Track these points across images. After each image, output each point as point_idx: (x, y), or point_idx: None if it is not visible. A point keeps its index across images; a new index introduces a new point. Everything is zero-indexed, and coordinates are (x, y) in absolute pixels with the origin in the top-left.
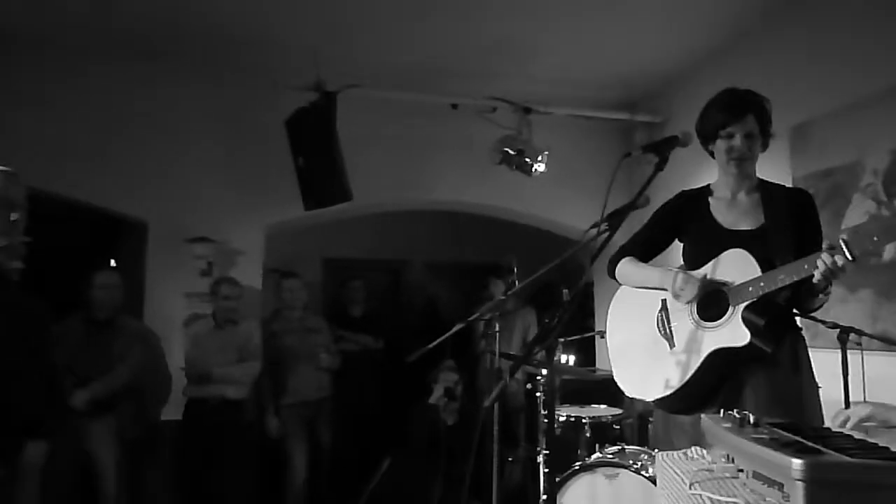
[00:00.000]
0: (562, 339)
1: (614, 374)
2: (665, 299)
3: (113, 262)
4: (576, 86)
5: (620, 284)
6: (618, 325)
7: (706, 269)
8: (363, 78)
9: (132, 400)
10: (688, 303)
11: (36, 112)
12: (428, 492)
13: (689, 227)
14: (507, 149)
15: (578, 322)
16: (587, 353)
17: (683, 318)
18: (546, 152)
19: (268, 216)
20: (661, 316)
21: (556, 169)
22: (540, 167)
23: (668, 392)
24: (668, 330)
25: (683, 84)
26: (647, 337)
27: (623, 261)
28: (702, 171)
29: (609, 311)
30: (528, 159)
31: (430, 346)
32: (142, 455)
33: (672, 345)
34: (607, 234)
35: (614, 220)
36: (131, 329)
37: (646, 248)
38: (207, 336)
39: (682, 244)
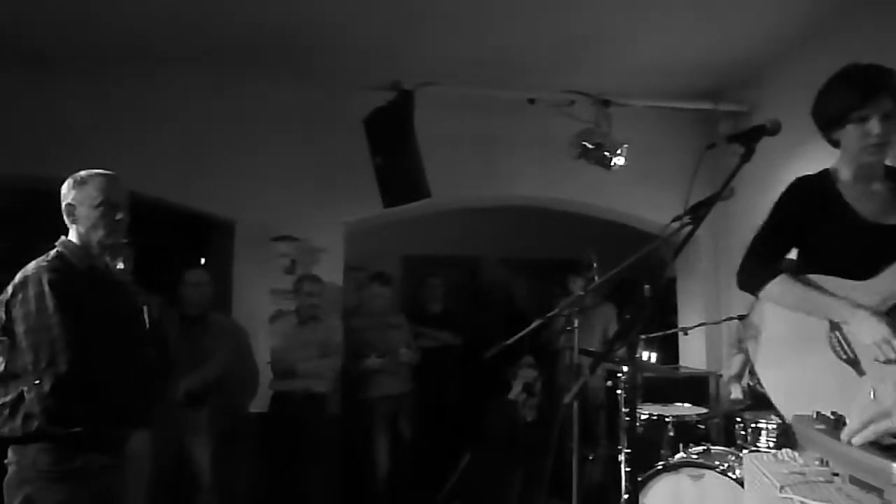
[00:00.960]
0: (643, 336)
1: (767, 388)
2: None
3: (203, 261)
4: (656, 76)
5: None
6: (777, 329)
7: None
8: (440, 75)
9: (223, 393)
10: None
11: (131, 118)
12: (507, 488)
13: (818, 221)
14: (585, 143)
15: (660, 318)
16: (670, 350)
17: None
18: (625, 145)
19: (348, 214)
20: (837, 336)
21: (636, 162)
22: (619, 161)
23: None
24: (848, 352)
25: (771, 70)
26: (820, 355)
27: (776, 281)
28: (793, 161)
29: (764, 309)
30: (606, 153)
31: (509, 342)
32: (232, 446)
33: (860, 372)
34: (690, 227)
35: (698, 212)
36: (221, 325)
37: (778, 252)
38: (292, 332)
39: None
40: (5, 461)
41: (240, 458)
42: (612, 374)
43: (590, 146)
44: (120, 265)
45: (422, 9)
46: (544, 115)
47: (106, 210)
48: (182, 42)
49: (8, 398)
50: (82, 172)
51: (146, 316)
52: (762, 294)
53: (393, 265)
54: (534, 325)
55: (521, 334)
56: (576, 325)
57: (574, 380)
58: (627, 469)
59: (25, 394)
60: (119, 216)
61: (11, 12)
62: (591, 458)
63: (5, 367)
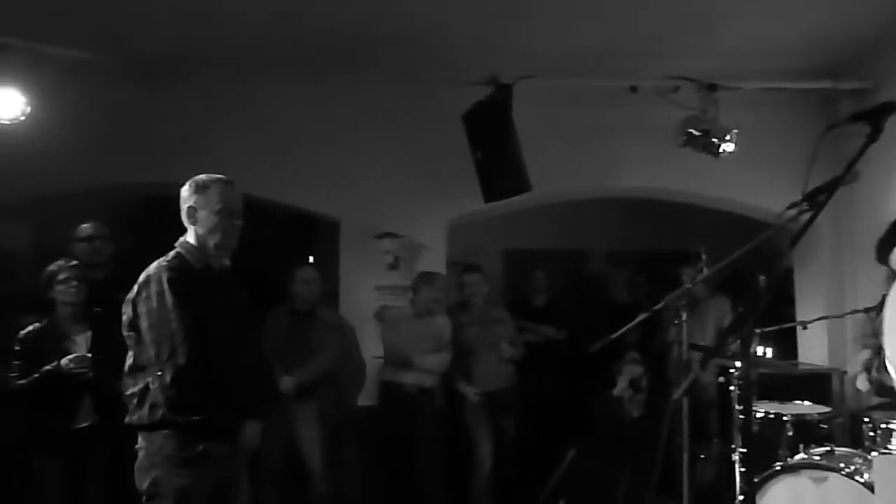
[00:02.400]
0: (758, 330)
1: None
2: None
3: (311, 259)
4: (767, 56)
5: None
6: None
7: None
8: (538, 68)
9: (331, 386)
10: None
11: (239, 124)
12: (613, 485)
13: None
14: (691, 130)
15: (777, 312)
16: (788, 345)
17: None
18: (735, 130)
19: (449, 210)
20: None
21: (747, 147)
22: (728, 147)
23: None
24: None
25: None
26: None
27: None
28: None
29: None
30: (714, 139)
31: (614, 336)
32: (341, 438)
33: None
34: (809, 214)
35: (817, 198)
36: (329, 320)
37: None
38: (406, 324)
39: None
40: (136, 446)
41: (348, 450)
42: (724, 370)
43: (696, 133)
44: (226, 262)
45: (518, 2)
46: (647, 102)
47: (224, 216)
48: (285, 47)
49: (136, 388)
50: (203, 177)
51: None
52: None
53: (495, 260)
54: (639, 318)
55: (626, 328)
56: (684, 318)
57: (683, 375)
58: (742, 469)
59: (150, 384)
60: (236, 223)
61: (125, 30)
62: (702, 456)
63: (133, 360)
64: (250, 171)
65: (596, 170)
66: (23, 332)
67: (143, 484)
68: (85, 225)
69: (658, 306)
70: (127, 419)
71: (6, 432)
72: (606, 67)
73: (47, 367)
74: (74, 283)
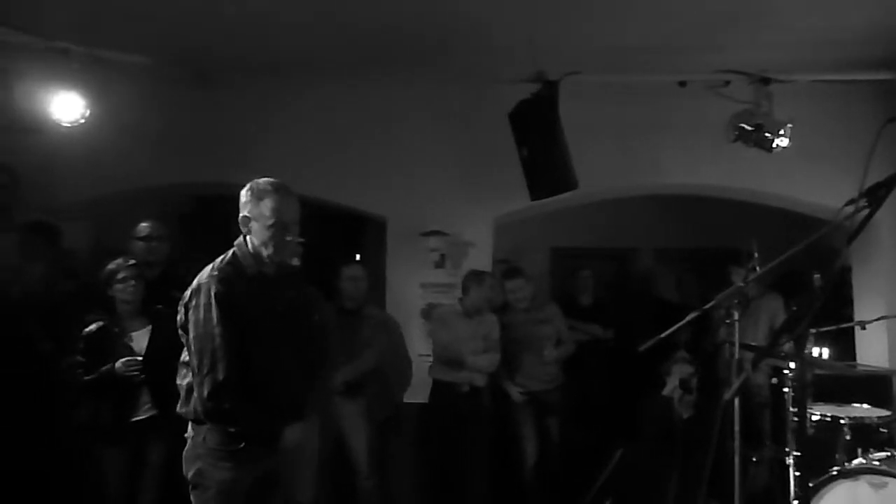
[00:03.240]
0: (813, 330)
1: None
2: None
3: (358, 257)
4: (823, 46)
5: None
6: None
7: None
8: (584, 64)
9: (378, 383)
10: None
11: (288, 124)
12: (662, 487)
13: None
14: (743, 124)
15: (834, 311)
16: (845, 345)
17: None
18: (789, 125)
19: (496, 208)
20: None
21: (802, 142)
22: (782, 142)
23: None
24: None
25: None
26: None
27: None
28: None
29: None
30: (767, 134)
31: (663, 335)
32: (388, 434)
33: None
34: (867, 211)
35: (876, 194)
36: (375, 317)
37: None
38: (457, 323)
39: None
40: (185, 434)
41: (394, 446)
42: (777, 371)
43: (748, 128)
44: (295, 261)
45: None
46: (696, 97)
47: (277, 231)
48: (333, 48)
49: (186, 381)
50: (261, 184)
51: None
52: None
53: (541, 258)
54: (689, 317)
55: (675, 327)
56: (736, 317)
57: (735, 376)
58: (797, 473)
59: (194, 388)
60: (289, 238)
61: (179, 35)
62: (754, 459)
63: (184, 355)
64: (299, 170)
65: (643, 167)
66: (86, 329)
67: (189, 472)
68: (143, 224)
69: (709, 305)
70: (178, 408)
71: (74, 423)
72: (654, 62)
73: (105, 368)
74: (132, 281)
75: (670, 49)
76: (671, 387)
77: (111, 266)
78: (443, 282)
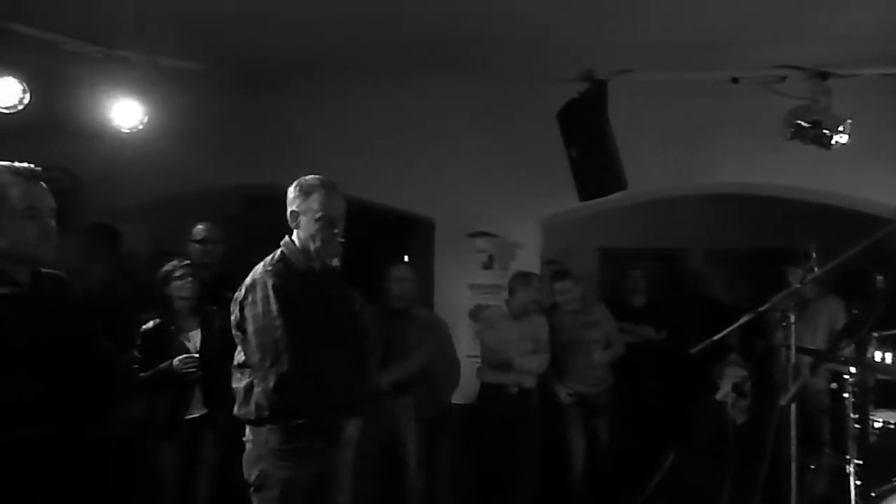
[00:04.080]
0: (876, 334)
1: None
2: None
3: (406, 258)
4: (885, 39)
5: None
6: None
7: None
8: (633, 61)
9: (426, 384)
10: None
11: (338, 125)
12: (715, 494)
13: None
14: (799, 121)
15: None
16: None
17: None
18: (849, 121)
19: (544, 209)
20: None
21: (863, 139)
22: (841, 138)
23: None
24: None
25: None
26: None
27: None
28: None
29: None
30: (826, 131)
31: (716, 337)
32: (436, 434)
33: None
34: None
35: None
36: (423, 318)
37: None
38: (504, 325)
39: None
40: (244, 438)
41: (444, 446)
42: (836, 376)
43: (805, 124)
44: (335, 262)
45: None
46: (750, 94)
47: (324, 224)
48: (380, 50)
49: (242, 384)
50: (308, 180)
51: (356, 309)
52: None
53: (590, 259)
54: (743, 319)
55: (729, 329)
56: (792, 320)
57: (791, 381)
58: (858, 482)
59: (255, 385)
60: (336, 231)
61: (230, 41)
62: (812, 467)
63: (240, 355)
64: (347, 172)
65: (695, 166)
66: (143, 327)
67: (250, 475)
68: (199, 227)
69: (764, 307)
70: (235, 411)
71: (130, 418)
72: (706, 58)
73: (162, 366)
74: (189, 279)
75: (723, 44)
76: (724, 391)
77: (167, 266)
78: (491, 283)
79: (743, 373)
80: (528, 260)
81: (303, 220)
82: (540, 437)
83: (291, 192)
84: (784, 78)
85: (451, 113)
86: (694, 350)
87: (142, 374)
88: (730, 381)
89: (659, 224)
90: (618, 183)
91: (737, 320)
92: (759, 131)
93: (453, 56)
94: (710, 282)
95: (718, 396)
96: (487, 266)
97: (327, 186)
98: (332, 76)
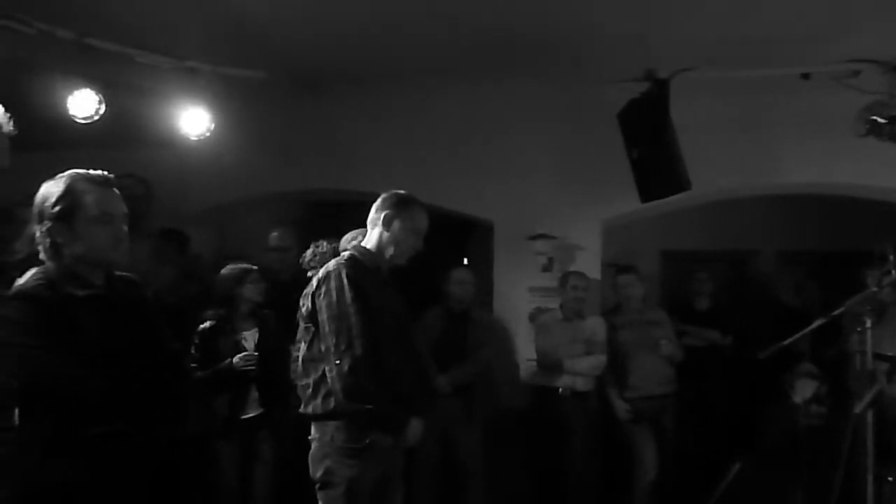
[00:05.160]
0: None
1: None
2: None
3: (465, 260)
4: None
5: None
6: None
7: None
8: (696, 59)
9: (485, 386)
10: None
11: (399, 130)
12: (785, 503)
13: None
14: (875, 117)
15: None
16: None
17: None
18: None
19: (604, 211)
20: None
21: None
22: None
23: None
24: None
25: None
26: None
27: None
28: None
29: None
30: None
31: (786, 342)
32: (495, 437)
33: None
34: None
35: None
36: (483, 321)
37: None
38: (556, 328)
39: None
40: (310, 437)
41: (503, 448)
42: None
43: (881, 120)
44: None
45: None
46: (820, 90)
47: (413, 235)
48: (440, 54)
49: (310, 379)
50: (407, 193)
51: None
52: None
53: (652, 261)
54: (816, 324)
55: (800, 334)
56: (868, 325)
57: (867, 388)
58: None
59: (327, 373)
60: (417, 245)
61: (292, 49)
62: (890, 479)
63: (308, 351)
64: (407, 175)
65: (762, 165)
66: (200, 326)
67: (316, 473)
68: (274, 234)
69: (837, 311)
70: (301, 409)
71: (194, 420)
72: (774, 54)
73: (222, 364)
74: (262, 283)
75: (792, 39)
76: (798, 397)
77: (240, 267)
78: (550, 286)
79: (815, 378)
80: (589, 262)
81: (396, 224)
82: (597, 441)
83: (388, 197)
84: (858, 72)
85: (510, 115)
86: (763, 355)
87: (199, 374)
88: (804, 388)
89: (724, 225)
90: (681, 183)
91: (807, 325)
92: (831, 128)
93: (511, 58)
94: (779, 285)
95: (790, 402)
96: (547, 269)
97: (421, 204)
98: (393, 81)
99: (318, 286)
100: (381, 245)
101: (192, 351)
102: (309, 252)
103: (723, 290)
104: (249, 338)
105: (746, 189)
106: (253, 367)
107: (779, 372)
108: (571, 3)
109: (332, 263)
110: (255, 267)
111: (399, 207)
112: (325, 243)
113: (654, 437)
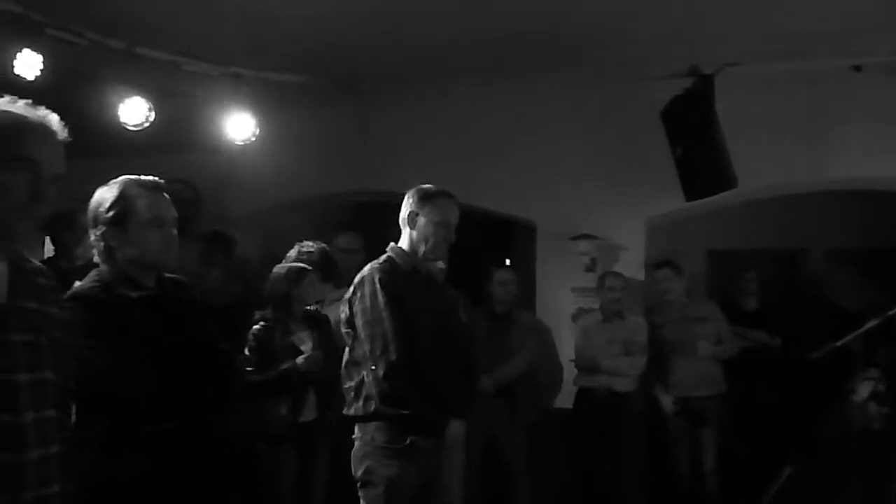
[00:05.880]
0: None
1: None
2: None
3: (508, 261)
4: None
5: None
6: None
7: None
8: (742, 53)
9: (528, 387)
10: None
11: (439, 131)
12: None
13: None
14: None
15: None
16: None
17: None
18: None
19: (648, 210)
20: None
21: None
22: None
23: None
24: None
25: None
26: None
27: None
28: None
29: None
30: None
31: (839, 342)
32: (539, 438)
33: None
34: None
35: None
36: (526, 322)
37: None
38: (596, 329)
39: None
40: (353, 436)
41: (546, 450)
42: None
43: None
44: (441, 265)
45: None
46: (874, 82)
47: (441, 229)
48: (479, 54)
49: (353, 382)
50: (430, 187)
51: (460, 313)
52: None
53: (697, 260)
54: (870, 324)
55: (854, 335)
56: None
57: None
58: None
59: (365, 377)
60: (449, 237)
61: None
62: None
63: (350, 355)
64: (449, 176)
65: (812, 161)
66: (253, 328)
67: (357, 471)
68: (341, 237)
69: (893, 311)
70: (344, 410)
71: (243, 421)
72: (823, 46)
73: (284, 366)
74: (315, 285)
75: (843, 31)
76: (856, 398)
77: (294, 269)
78: (593, 286)
79: (872, 379)
80: (632, 262)
81: (420, 220)
82: (641, 442)
83: (411, 195)
84: None
85: (552, 114)
86: (814, 356)
87: (258, 377)
88: (860, 387)
89: (772, 223)
90: (727, 181)
91: (860, 325)
92: (885, 122)
93: (553, 56)
94: (830, 284)
95: (846, 403)
96: (590, 269)
97: (447, 194)
98: (434, 81)
99: (353, 291)
100: (412, 244)
101: (247, 352)
102: (294, 252)
103: (771, 290)
104: (305, 339)
105: (795, 185)
106: (316, 369)
107: (831, 374)
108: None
109: (366, 268)
110: (310, 267)
111: (421, 203)
112: (309, 244)
113: (693, 441)
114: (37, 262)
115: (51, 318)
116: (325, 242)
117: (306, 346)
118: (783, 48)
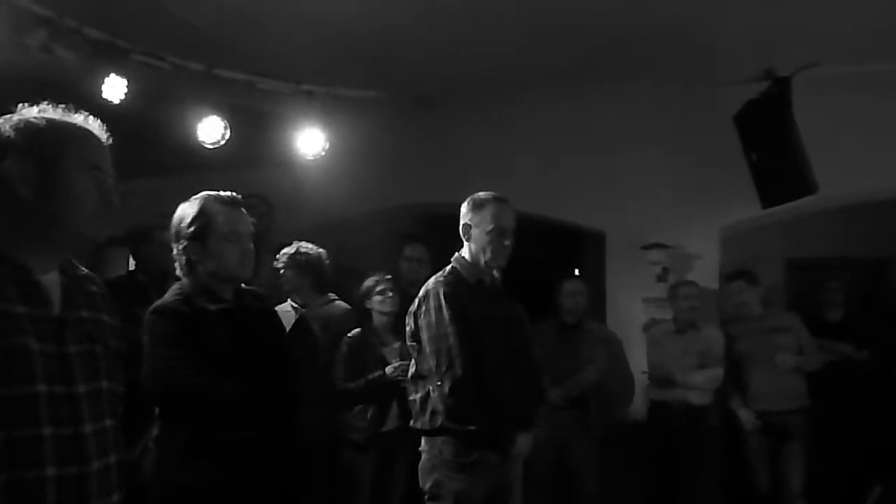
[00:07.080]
0: None
1: None
2: None
3: (577, 272)
4: None
5: None
6: None
7: None
8: (820, 54)
9: (599, 399)
10: None
11: (509, 142)
12: None
13: None
14: None
15: None
16: None
17: None
18: None
19: (722, 218)
20: None
21: None
22: None
23: None
24: None
25: None
26: None
27: None
28: None
29: None
30: None
31: None
32: (611, 451)
33: None
34: None
35: None
36: (596, 332)
37: None
38: (669, 340)
39: None
40: (419, 449)
41: (620, 465)
42: None
43: None
44: (496, 273)
45: None
46: None
47: (495, 236)
48: (546, 63)
49: (418, 395)
50: (481, 195)
51: (525, 322)
52: None
53: (776, 270)
54: None
55: None
56: None
57: None
58: None
59: (431, 392)
60: (506, 242)
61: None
62: None
63: (416, 368)
64: (517, 187)
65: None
66: (347, 335)
67: (425, 484)
68: (409, 246)
69: None
70: (411, 423)
71: (330, 428)
72: None
73: (373, 375)
74: (389, 294)
75: None
76: None
77: (369, 282)
78: (665, 296)
79: None
80: (707, 271)
81: (475, 231)
82: (717, 457)
83: (465, 206)
84: None
85: (622, 121)
86: None
87: (350, 385)
88: None
89: (855, 230)
90: (806, 187)
91: None
92: None
93: (623, 62)
94: None
95: None
96: (662, 278)
97: (499, 200)
98: (502, 91)
99: (418, 305)
100: (473, 255)
101: (342, 362)
102: (291, 249)
103: (855, 301)
104: (394, 351)
105: (879, 191)
106: (405, 378)
107: None
108: (682, 1)
109: (431, 281)
110: (387, 276)
111: (473, 213)
112: (308, 245)
113: (773, 458)
114: (86, 270)
115: (103, 326)
116: (394, 253)
117: (392, 356)
118: (863, 49)
